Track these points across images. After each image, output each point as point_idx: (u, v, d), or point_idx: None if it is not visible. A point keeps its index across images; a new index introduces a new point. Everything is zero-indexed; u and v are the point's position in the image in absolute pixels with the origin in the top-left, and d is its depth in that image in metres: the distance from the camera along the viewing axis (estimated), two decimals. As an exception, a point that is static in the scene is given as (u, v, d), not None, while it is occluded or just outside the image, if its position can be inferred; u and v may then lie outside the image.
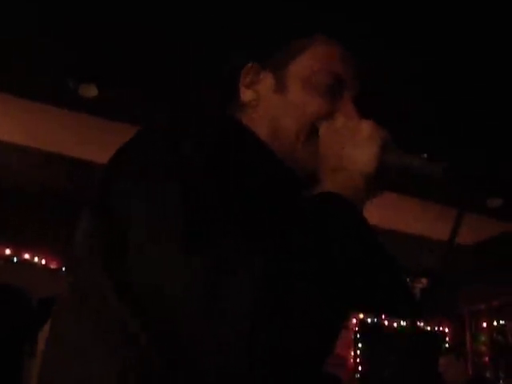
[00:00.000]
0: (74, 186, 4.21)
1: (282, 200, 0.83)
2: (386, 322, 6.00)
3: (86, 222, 0.78)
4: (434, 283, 1.95)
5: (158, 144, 0.75)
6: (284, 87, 0.90)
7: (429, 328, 6.23)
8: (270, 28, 0.99)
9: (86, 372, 0.71)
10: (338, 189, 0.76)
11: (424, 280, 3.99)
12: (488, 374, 5.87)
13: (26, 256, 4.59)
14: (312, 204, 0.75)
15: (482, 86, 3.30)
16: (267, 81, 0.92)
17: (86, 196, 0.80)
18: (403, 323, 6.04)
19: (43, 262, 4.61)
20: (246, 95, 0.92)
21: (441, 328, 6.29)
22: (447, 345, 6.24)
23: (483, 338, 6.11)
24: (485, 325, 6.11)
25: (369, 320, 5.91)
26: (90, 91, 3.50)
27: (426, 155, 0.80)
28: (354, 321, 5.84)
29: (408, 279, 0.76)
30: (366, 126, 0.82)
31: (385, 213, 4.18)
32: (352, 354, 5.74)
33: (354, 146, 0.81)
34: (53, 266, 4.57)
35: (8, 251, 4.54)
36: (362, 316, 5.83)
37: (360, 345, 5.81)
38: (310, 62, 0.91)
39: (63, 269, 4.35)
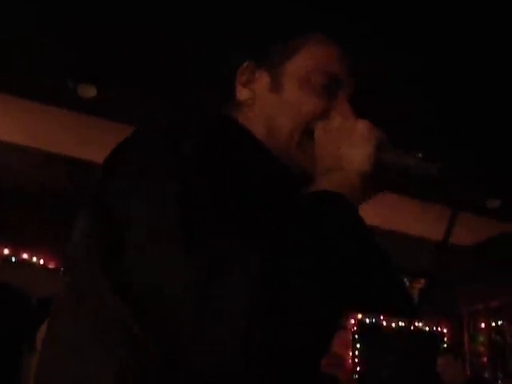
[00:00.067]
0: (74, 186, 4.20)
1: (277, 198, 0.82)
2: (385, 323, 6.00)
3: (83, 222, 0.78)
4: (430, 284, 1.97)
5: (157, 144, 0.75)
6: (279, 86, 0.90)
7: (427, 328, 6.23)
8: (270, 28, 0.99)
9: (84, 372, 0.70)
10: (333, 187, 0.76)
11: (423, 281, 4.00)
12: (486, 375, 5.88)
13: (25, 256, 4.59)
14: (308, 202, 0.75)
15: (481, 86, 3.31)
16: (263, 80, 0.92)
17: (86, 196, 0.80)
18: (401, 323, 6.04)
19: (41, 261, 4.60)
20: (242, 94, 0.92)
21: (439, 328, 6.29)
22: (445, 345, 6.23)
23: (481, 339, 6.11)
24: (483, 325, 6.11)
25: (367, 320, 5.91)
26: (90, 91, 3.51)
27: (420, 155, 0.80)
28: (352, 321, 5.83)
29: (406, 279, 0.76)
30: (362, 126, 0.83)
31: (385, 214, 4.19)
32: (350, 354, 5.73)
33: (350, 145, 0.81)
34: (51, 265, 4.56)
35: (6, 251, 4.53)
36: (360, 316, 5.82)
37: (358, 345, 5.80)
38: (305, 62, 0.91)
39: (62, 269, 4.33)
